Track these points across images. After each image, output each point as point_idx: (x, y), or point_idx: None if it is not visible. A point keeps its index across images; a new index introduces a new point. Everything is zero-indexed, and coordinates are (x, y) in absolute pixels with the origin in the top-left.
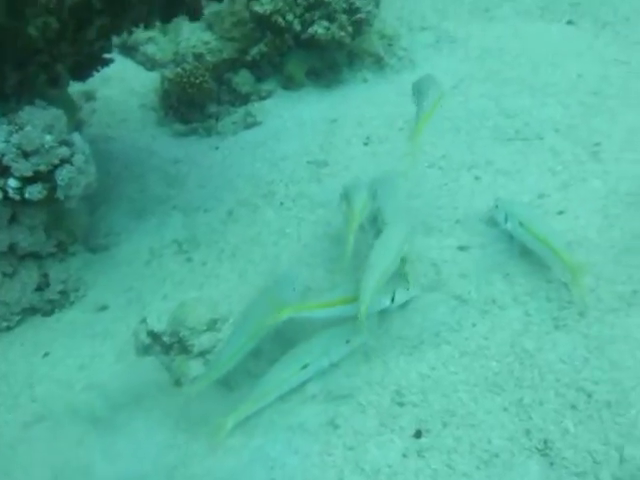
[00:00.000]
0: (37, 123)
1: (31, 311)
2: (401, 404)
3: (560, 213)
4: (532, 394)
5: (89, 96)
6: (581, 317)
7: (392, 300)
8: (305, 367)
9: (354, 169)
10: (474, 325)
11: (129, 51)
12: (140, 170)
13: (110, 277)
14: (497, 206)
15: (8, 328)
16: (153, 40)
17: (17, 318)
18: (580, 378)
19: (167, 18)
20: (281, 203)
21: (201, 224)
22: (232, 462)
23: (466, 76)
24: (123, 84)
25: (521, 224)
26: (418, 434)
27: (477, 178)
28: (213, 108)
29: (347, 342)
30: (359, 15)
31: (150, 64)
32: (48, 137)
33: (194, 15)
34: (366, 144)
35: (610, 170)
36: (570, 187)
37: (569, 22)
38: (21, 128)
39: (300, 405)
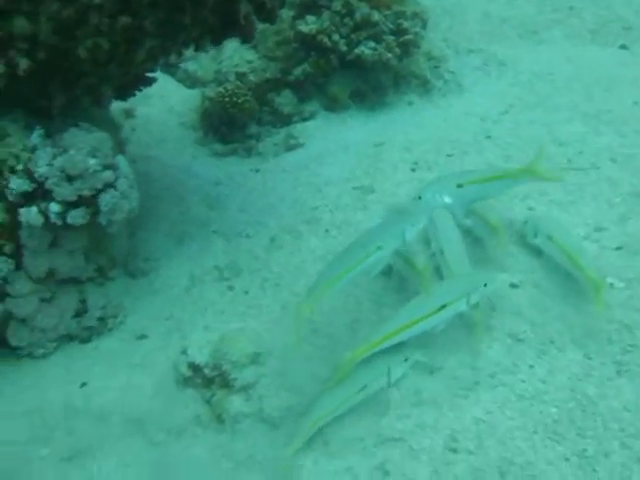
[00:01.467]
0: (82, 146)
1: (68, 338)
2: (455, 450)
3: (618, 248)
4: (595, 445)
5: (128, 114)
6: None
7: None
8: (364, 388)
9: (401, 196)
10: (531, 367)
11: (169, 68)
12: (180, 191)
13: (149, 304)
14: (527, 222)
15: (44, 355)
16: (194, 57)
17: (53, 345)
18: None
19: (219, 40)
20: (326, 230)
21: (243, 250)
22: None
23: (516, 101)
24: (162, 102)
25: (550, 238)
26: None
27: (530, 209)
28: (254, 129)
29: (405, 360)
30: (407, 36)
31: (190, 82)
32: (92, 161)
33: (247, 38)
34: (414, 170)
35: None
36: (629, 221)
37: (622, 46)
38: (65, 151)
39: (347, 448)
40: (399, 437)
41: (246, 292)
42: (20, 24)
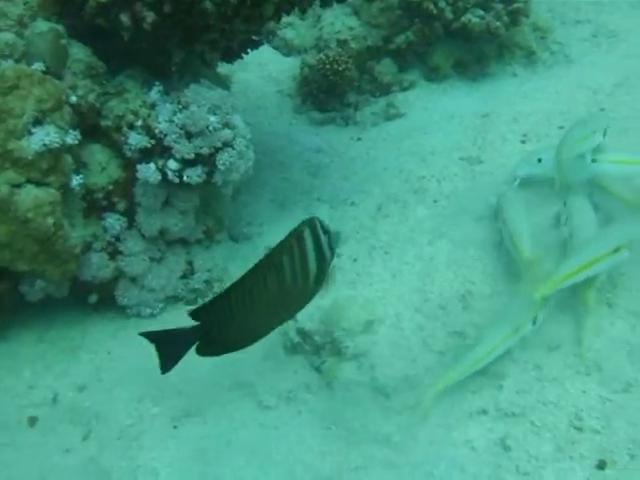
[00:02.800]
0: (203, 103)
1: (174, 299)
2: (580, 429)
3: None
4: None
5: (227, 79)
6: None
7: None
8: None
9: (511, 168)
10: None
11: (266, 35)
12: (281, 158)
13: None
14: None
15: (152, 315)
16: (292, 25)
17: (160, 306)
18: None
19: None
20: (435, 201)
21: (349, 218)
22: (392, 477)
23: (630, 73)
24: (260, 69)
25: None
26: (602, 465)
27: None
28: (352, 97)
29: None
30: (516, 4)
31: (287, 49)
32: (213, 118)
33: None
34: (523, 142)
35: None
36: None
37: None
38: (186, 107)
39: (467, 421)
40: (520, 412)
41: (355, 260)
42: None
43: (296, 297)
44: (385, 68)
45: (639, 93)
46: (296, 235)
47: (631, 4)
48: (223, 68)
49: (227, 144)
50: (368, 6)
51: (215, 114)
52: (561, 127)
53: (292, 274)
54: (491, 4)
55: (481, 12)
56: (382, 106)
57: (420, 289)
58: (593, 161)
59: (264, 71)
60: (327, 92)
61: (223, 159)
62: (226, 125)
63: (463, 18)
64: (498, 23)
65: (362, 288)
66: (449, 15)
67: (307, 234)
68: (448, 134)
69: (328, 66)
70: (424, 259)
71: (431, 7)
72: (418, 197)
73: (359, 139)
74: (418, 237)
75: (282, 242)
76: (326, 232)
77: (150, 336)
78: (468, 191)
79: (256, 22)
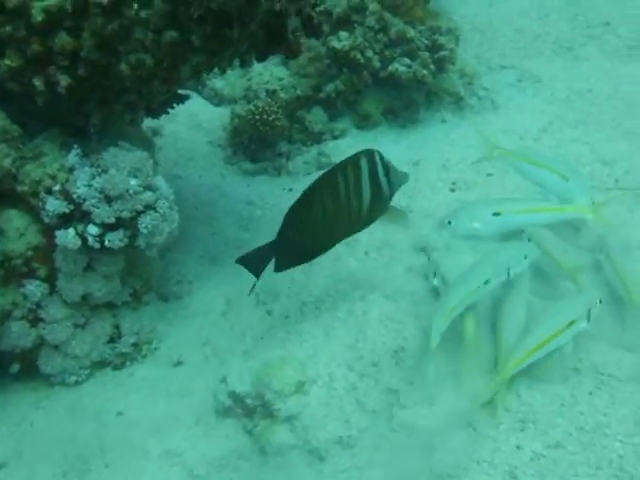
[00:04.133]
0: (122, 166)
1: (101, 365)
2: None
3: None
4: None
5: (155, 132)
6: None
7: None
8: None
9: (439, 217)
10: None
11: (195, 86)
12: (212, 211)
13: (184, 329)
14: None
15: (77, 383)
16: (221, 75)
17: (86, 372)
18: None
19: (264, 56)
20: (365, 252)
21: (279, 273)
22: None
23: (555, 119)
24: (190, 120)
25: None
26: None
27: (576, 229)
28: (284, 147)
29: (525, 258)
30: (442, 52)
31: (218, 99)
32: (133, 181)
33: (293, 54)
34: (453, 190)
35: None
36: None
37: None
38: (105, 171)
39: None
40: (453, 473)
41: (286, 317)
42: (62, 40)
43: (351, 219)
44: (315, 117)
45: (563, 138)
46: (352, 161)
47: (553, 50)
48: (152, 122)
49: (149, 207)
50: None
51: (135, 177)
52: (489, 174)
53: (346, 194)
54: (417, 52)
55: (408, 61)
56: (314, 155)
57: (353, 346)
58: (495, 215)
59: (194, 122)
60: (258, 142)
61: (145, 222)
62: (147, 187)
63: (390, 67)
64: (425, 71)
65: (293, 347)
66: (376, 64)
67: (364, 162)
68: None
69: (258, 117)
70: (356, 314)
71: (358, 56)
72: (349, 249)
73: (290, 190)
74: (350, 291)
75: (338, 164)
76: (385, 167)
77: (240, 261)
78: (399, 242)
79: (174, 83)
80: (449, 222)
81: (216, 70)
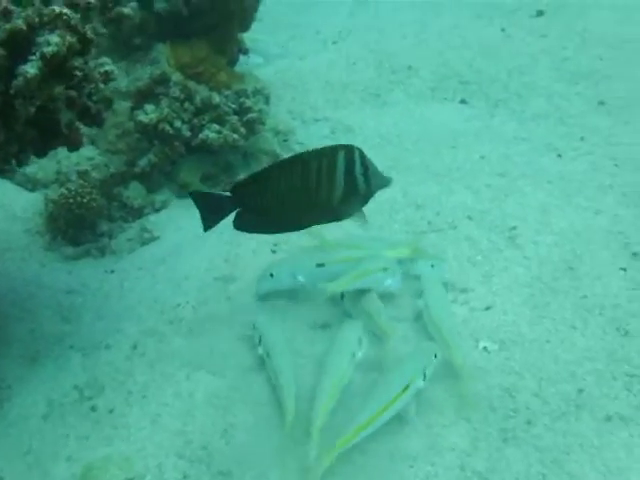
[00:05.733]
0: None
1: None
2: None
3: (487, 309)
4: None
5: None
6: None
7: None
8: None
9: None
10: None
11: (6, 172)
12: (30, 306)
13: (4, 439)
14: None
15: None
16: (32, 159)
17: None
18: None
19: (43, 152)
20: (190, 329)
21: (103, 363)
22: None
23: None
24: (3, 210)
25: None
26: None
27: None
28: (105, 226)
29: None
30: (251, 115)
31: (31, 184)
32: None
33: (74, 146)
34: (274, 252)
35: (530, 255)
36: (493, 278)
37: (462, 101)
38: None
39: None
40: None
41: (111, 411)
42: None
43: (318, 206)
44: (134, 192)
45: None
46: (330, 150)
47: (362, 98)
48: None
49: None
50: (104, 134)
51: None
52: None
53: (317, 179)
54: (226, 118)
55: (217, 127)
56: (136, 231)
57: (181, 431)
58: (319, 266)
59: (8, 212)
60: (76, 226)
61: None
62: None
63: (201, 134)
64: (235, 135)
65: (120, 443)
66: (187, 133)
67: (341, 154)
68: (202, 254)
69: (72, 200)
70: (183, 396)
71: (167, 128)
72: (174, 328)
73: (112, 271)
74: (176, 372)
75: (316, 149)
76: (364, 165)
77: (194, 196)
78: (223, 313)
79: None
80: (271, 275)
81: None
